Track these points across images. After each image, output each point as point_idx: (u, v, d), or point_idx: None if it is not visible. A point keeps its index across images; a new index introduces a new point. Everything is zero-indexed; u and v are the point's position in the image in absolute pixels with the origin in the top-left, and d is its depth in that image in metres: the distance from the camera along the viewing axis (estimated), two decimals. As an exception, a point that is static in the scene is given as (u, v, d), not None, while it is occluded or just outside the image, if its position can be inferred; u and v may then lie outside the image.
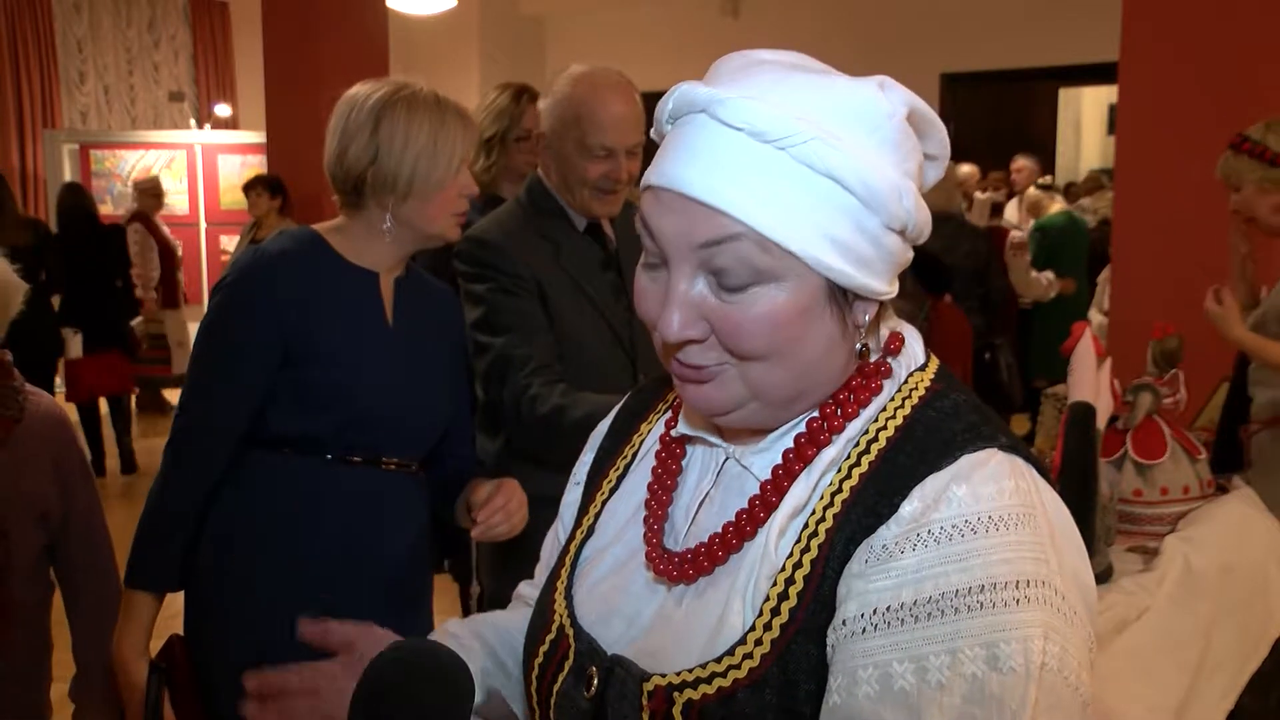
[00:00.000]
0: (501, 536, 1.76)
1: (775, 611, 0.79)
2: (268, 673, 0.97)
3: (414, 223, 1.76)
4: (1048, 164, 8.38)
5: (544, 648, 0.92)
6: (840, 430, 0.84)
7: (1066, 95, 9.98)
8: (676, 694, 0.80)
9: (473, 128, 1.80)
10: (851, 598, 0.77)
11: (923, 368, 0.87)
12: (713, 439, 0.91)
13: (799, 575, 0.79)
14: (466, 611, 2.40)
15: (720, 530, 0.85)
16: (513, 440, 2.08)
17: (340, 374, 1.72)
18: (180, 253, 8.13)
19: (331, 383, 1.71)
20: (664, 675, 0.81)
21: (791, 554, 0.81)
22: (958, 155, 6.12)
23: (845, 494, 0.81)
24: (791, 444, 0.85)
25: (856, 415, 0.84)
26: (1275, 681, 1.84)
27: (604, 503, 0.99)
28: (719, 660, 0.79)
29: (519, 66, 8.91)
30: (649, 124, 0.92)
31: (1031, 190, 7.14)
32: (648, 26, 9.38)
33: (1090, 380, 1.95)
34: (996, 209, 7.59)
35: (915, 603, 0.74)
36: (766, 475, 0.85)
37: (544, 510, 1.39)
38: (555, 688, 0.90)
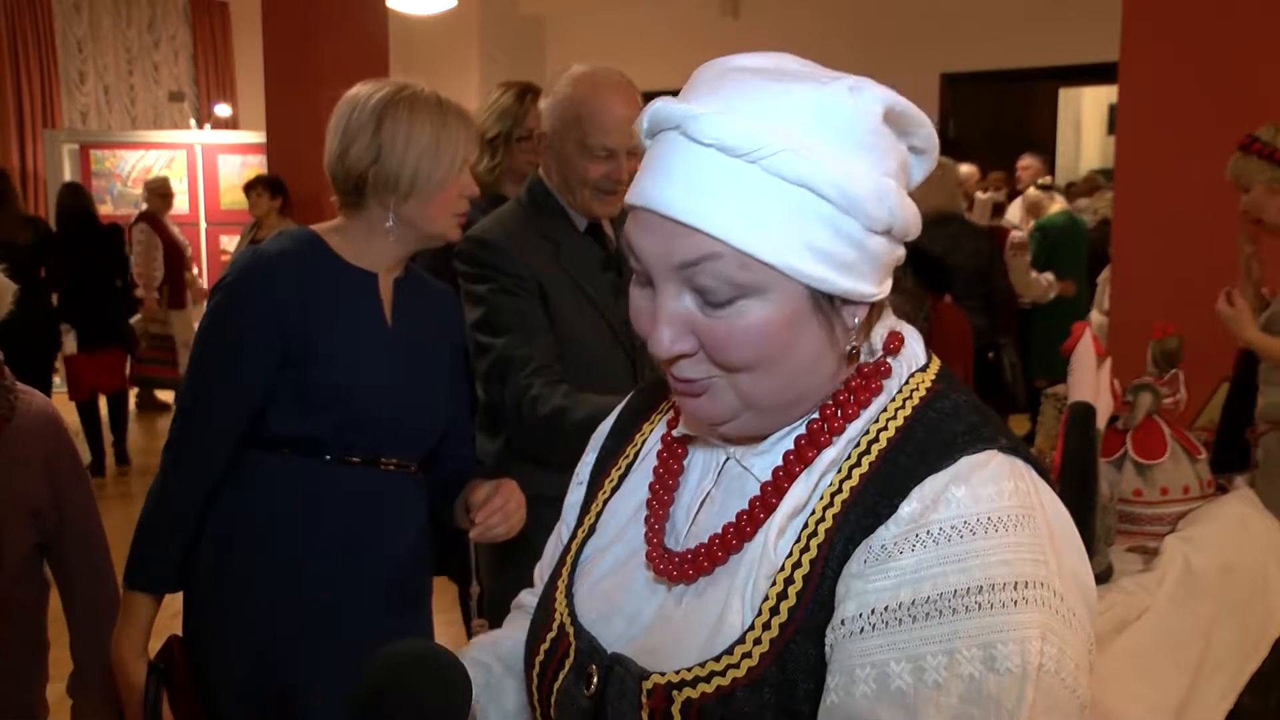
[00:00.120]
0: (500, 537, 1.76)
1: (774, 611, 0.79)
2: None
3: (415, 223, 1.76)
4: (1048, 164, 8.39)
5: (545, 646, 0.93)
6: (840, 431, 0.84)
7: (1066, 95, 9.97)
8: (675, 692, 0.80)
9: (474, 128, 1.80)
10: (850, 597, 0.77)
11: (924, 368, 0.87)
12: (713, 440, 0.91)
13: (798, 575, 0.80)
14: (466, 611, 2.40)
15: (720, 531, 0.85)
16: (513, 441, 2.08)
17: (339, 375, 1.72)
18: (189, 252, 8.14)
19: (330, 383, 1.72)
20: (663, 674, 0.82)
21: (791, 554, 0.81)
22: (958, 155, 6.14)
23: (845, 494, 0.81)
24: (792, 445, 0.85)
25: (857, 416, 0.84)
26: (1275, 681, 1.84)
27: (605, 502, 0.99)
28: (718, 659, 0.80)
29: (519, 66, 8.91)
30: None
31: (1031, 190, 7.14)
32: (648, 26, 9.38)
33: (1090, 380, 1.95)
34: (997, 209, 7.60)
35: (913, 603, 0.74)
36: (767, 476, 0.85)
37: (544, 510, 1.39)
38: (556, 686, 0.90)
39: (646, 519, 0.92)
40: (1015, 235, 5.58)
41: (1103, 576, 1.88)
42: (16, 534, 1.84)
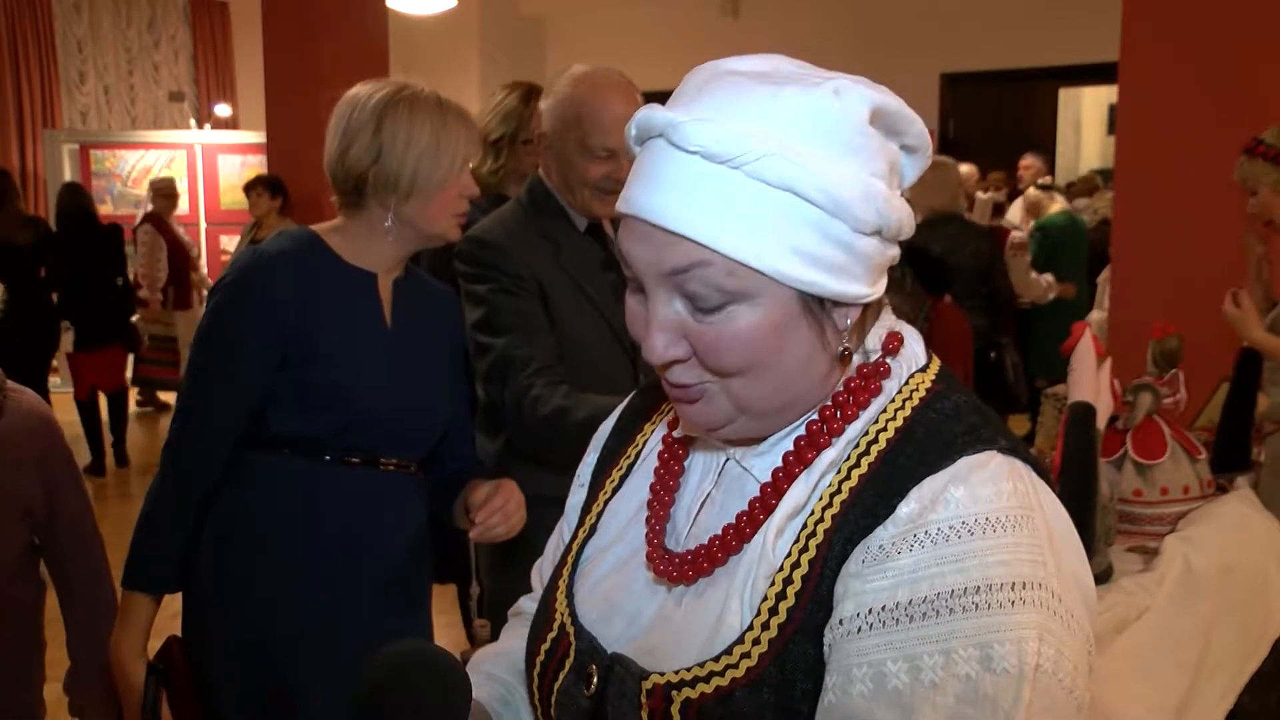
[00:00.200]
0: (500, 538, 1.76)
1: (773, 611, 0.79)
2: None
3: (415, 223, 1.76)
4: (1048, 164, 8.40)
5: (545, 646, 0.93)
6: (839, 432, 0.84)
7: (1066, 95, 9.97)
8: (675, 693, 0.80)
9: (474, 128, 1.80)
10: (848, 597, 0.77)
11: (924, 369, 0.87)
12: (713, 441, 0.91)
13: (797, 575, 0.80)
14: (466, 612, 2.40)
15: (720, 532, 0.86)
16: (514, 441, 2.08)
17: (338, 375, 1.72)
18: (196, 253, 8.14)
19: (330, 384, 1.72)
20: (663, 674, 0.82)
21: (790, 554, 0.81)
22: (958, 155, 6.14)
23: (844, 495, 0.81)
24: (791, 446, 0.85)
25: (856, 417, 0.84)
26: (1275, 681, 1.84)
27: (607, 502, 1.00)
28: (717, 660, 0.80)
29: (519, 66, 8.91)
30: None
31: (1032, 190, 7.15)
32: (648, 26, 9.38)
33: (1090, 380, 1.95)
34: (997, 209, 7.60)
35: (911, 602, 0.74)
36: (766, 477, 0.85)
37: (544, 510, 1.39)
38: (556, 685, 0.90)
39: (647, 519, 0.92)
40: (1015, 235, 5.59)
41: (1103, 576, 1.88)
42: (9, 533, 1.84)
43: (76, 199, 6.68)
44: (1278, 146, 2.66)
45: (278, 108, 6.26)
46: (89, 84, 10.56)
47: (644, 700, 0.82)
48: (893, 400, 0.84)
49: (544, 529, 1.13)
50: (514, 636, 1.09)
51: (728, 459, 0.90)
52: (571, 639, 0.91)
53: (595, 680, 0.86)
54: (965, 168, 6.87)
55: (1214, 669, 1.78)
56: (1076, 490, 1.83)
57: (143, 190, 8.90)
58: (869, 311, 0.86)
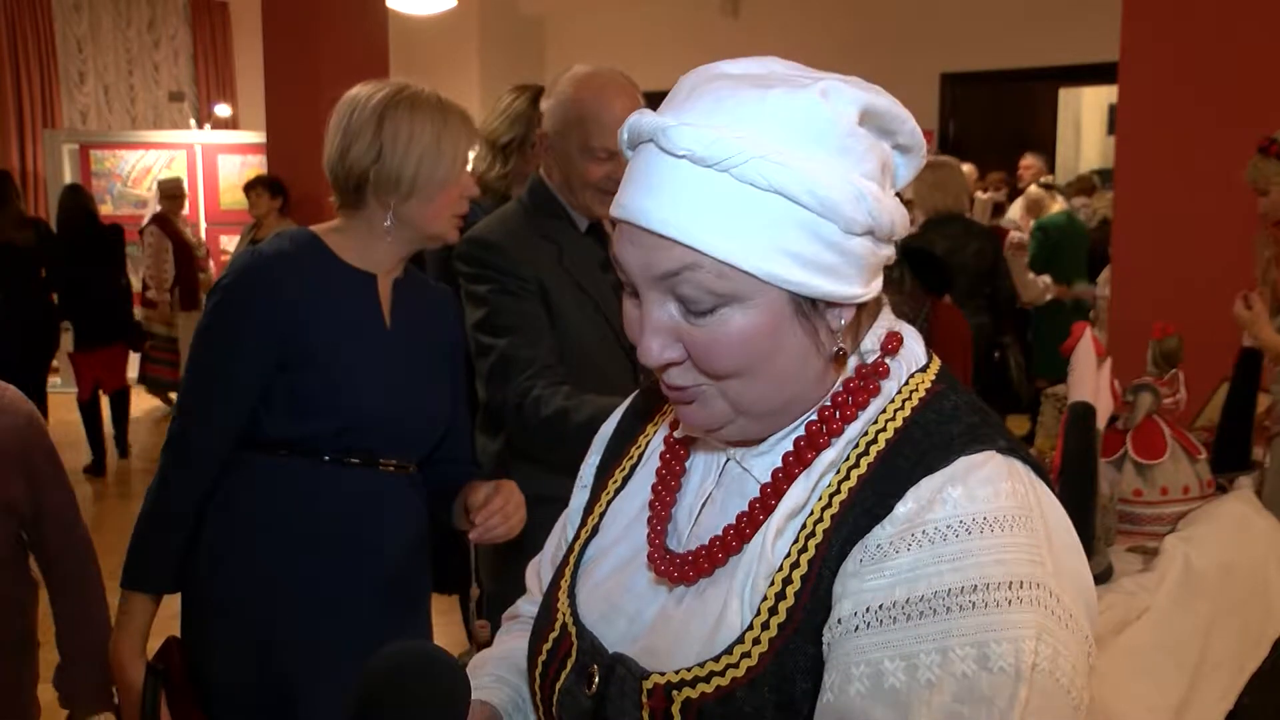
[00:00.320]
0: (500, 538, 1.76)
1: (773, 611, 0.79)
2: None
3: (415, 223, 1.76)
4: (1048, 164, 8.40)
5: (547, 646, 0.93)
6: (839, 433, 0.84)
7: (1066, 95, 9.97)
8: (675, 692, 0.81)
9: (474, 129, 1.81)
10: (846, 597, 0.77)
11: (924, 369, 0.87)
12: (714, 442, 0.91)
13: (796, 575, 0.80)
14: (466, 613, 2.40)
15: (720, 533, 0.86)
16: (515, 442, 2.08)
17: (338, 375, 1.72)
18: (203, 252, 8.14)
19: (329, 384, 1.72)
20: (663, 674, 0.82)
21: (789, 554, 0.81)
22: (958, 155, 6.14)
23: (843, 495, 0.81)
24: (791, 447, 0.85)
25: (855, 418, 0.84)
26: (1275, 681, 1.84)
27: (609, 502, 1.00)
28: (717, 660, 0.80)
29: (519, 66, 8.91)
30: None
31: (1032, 189, 7.16)
32: (648, 26, 9.38)
33: (1090, 380, 1.95)
34: (998, 209, 7.61)
35: (908, 601, 0.74)
36: (766, 478, 0.86)
37: (544, 510, 1.39)
38: (558, 685, 0.91)
39: (649, 520, 0.93)
40: (1014, 235, 5.60)
41: (1103, 576, 1.88)
42: None
43: (77, 199, 6.69)
44: None
45: (278, 108, 6.26)
46: (89, 84, 10.56)
47: (645, 700, 0.82)
48: (892, 401, 0.84)
49: (544, 529, 1.13)
50: (514, 639, 1.10)
51: (728, 459, 0.90)
52: (573, 639, 0.91)
53: (597, 680, 0.87)
54: (965, 168, 6.89)
55: (1214, 669, 1.78)
56: (1076, 490, 1.83)
57: (143, 190, 8.92)
58: (864, 312, 0.86)
